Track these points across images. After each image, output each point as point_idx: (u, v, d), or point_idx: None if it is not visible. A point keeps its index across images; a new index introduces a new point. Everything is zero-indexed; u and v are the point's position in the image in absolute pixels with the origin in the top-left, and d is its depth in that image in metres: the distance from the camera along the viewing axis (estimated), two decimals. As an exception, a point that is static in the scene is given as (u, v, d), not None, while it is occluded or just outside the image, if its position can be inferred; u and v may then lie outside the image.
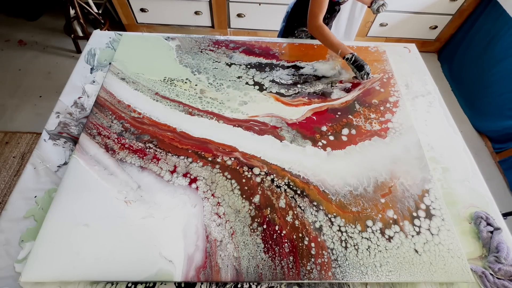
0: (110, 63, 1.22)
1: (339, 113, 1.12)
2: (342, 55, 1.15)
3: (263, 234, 0.83)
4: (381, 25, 2.28)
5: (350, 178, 0.95)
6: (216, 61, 1.26)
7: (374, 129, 1.08)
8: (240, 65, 1.25)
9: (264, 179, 0.93)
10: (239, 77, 1.21)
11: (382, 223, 0.86)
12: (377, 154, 1.01)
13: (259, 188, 0.91)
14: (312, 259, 0.79)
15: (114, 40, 1.33)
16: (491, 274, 0.79)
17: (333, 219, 0.86)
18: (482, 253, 0.84)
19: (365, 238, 0.83)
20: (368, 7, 1.34)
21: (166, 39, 1.33)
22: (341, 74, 1.26)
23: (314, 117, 1.10)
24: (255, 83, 1.19)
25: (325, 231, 0.84)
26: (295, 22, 1.40)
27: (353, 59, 1.14)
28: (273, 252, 0.80)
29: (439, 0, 2.09)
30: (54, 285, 0.75)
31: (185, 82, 1.17)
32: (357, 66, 1.13)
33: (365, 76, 1.14)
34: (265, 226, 0.84)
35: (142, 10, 2.24)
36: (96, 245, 0.79)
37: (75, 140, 1.00)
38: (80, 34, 2.32)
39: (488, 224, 0.87)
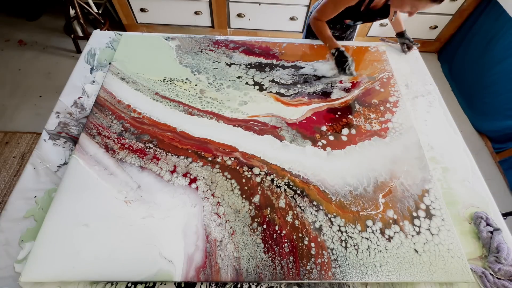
0: (110, 63, 1.22)
1: (339, 113, 1.12)
2: (329, 48, 1.25)
3: (263, 234, 0.82)
4: (381, 25, 2.28)
5: (350, 178, 0.95)
6: (216, 61, 1.26)
7: (374, 129, 1.08)
8: (240, 65, 1.25)
9: (264, 179, 0.93)
10: (239, 77, 1.21)
11: (382, 223, 0.86)
12: (377, 154, 1.01)
13: (259, 188, 0.91)
14: (312, 259, 0.79)
15: (114, 40, 1.33)
16: (491, 274, 0.79)
17: (333, 219, 0.86)
18: (482, 253, 0.84)
19: (365, 238, 0.83)
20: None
21: (166, 39, 1.33)
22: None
23: (314, 117, 1.10)
24: (255, 83, 1.19)
25: (325, 231, 0.84)
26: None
27: (336, 53, 1.20)
28: (273, 252, 0.80)
29: (439, 0, 2.09)
30: (54, 285, 0.75)
31: (185, 82, 1.17)
32: (338, 61, 1.19)
33: (342, 72, 1.19)
34: (265, 226, 0.84)
35: (142, 10, 2.24)
36: (96, 245, 0.79)
37: (75, 140, 1.00)
38: (80, 34, 2.33)
39: (488, 224, 0.87)
